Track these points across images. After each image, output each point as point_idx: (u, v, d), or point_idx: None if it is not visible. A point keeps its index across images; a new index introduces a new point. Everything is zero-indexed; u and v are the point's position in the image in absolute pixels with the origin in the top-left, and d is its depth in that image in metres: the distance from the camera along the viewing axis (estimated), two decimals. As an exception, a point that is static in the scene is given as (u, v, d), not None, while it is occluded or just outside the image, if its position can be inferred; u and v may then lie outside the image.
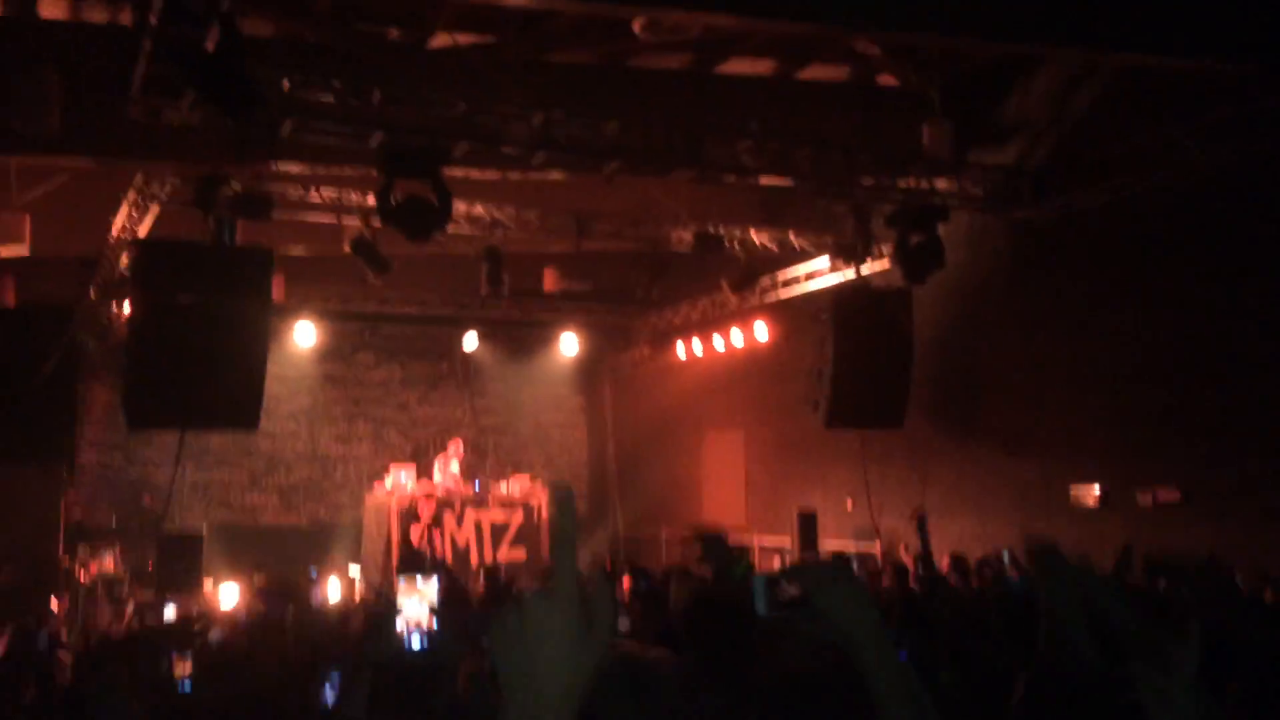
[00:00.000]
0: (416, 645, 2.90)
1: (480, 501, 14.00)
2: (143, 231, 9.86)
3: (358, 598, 9.60)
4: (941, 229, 9.99)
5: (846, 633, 1.56)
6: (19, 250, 9.71)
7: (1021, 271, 10.44)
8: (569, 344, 16.31)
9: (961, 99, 10.13)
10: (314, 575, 6.50)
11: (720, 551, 4.15)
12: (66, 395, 14.38)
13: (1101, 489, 9.47)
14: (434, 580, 2.96)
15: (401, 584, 2.91)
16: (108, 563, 12.86)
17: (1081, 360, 9.78)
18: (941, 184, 10.14)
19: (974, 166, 10.08)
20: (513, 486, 14.65)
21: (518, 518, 14.22)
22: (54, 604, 10.75)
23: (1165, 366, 8.99)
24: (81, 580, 12.37)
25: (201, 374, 8.58)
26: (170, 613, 6.99)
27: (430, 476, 14.34)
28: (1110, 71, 8.99)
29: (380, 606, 3.16)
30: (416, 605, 2.90)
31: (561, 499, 1.14)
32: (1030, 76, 9.73)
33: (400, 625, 2.89)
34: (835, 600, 1.57)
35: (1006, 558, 8.36)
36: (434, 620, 2.88)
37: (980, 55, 9.79)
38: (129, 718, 2.30)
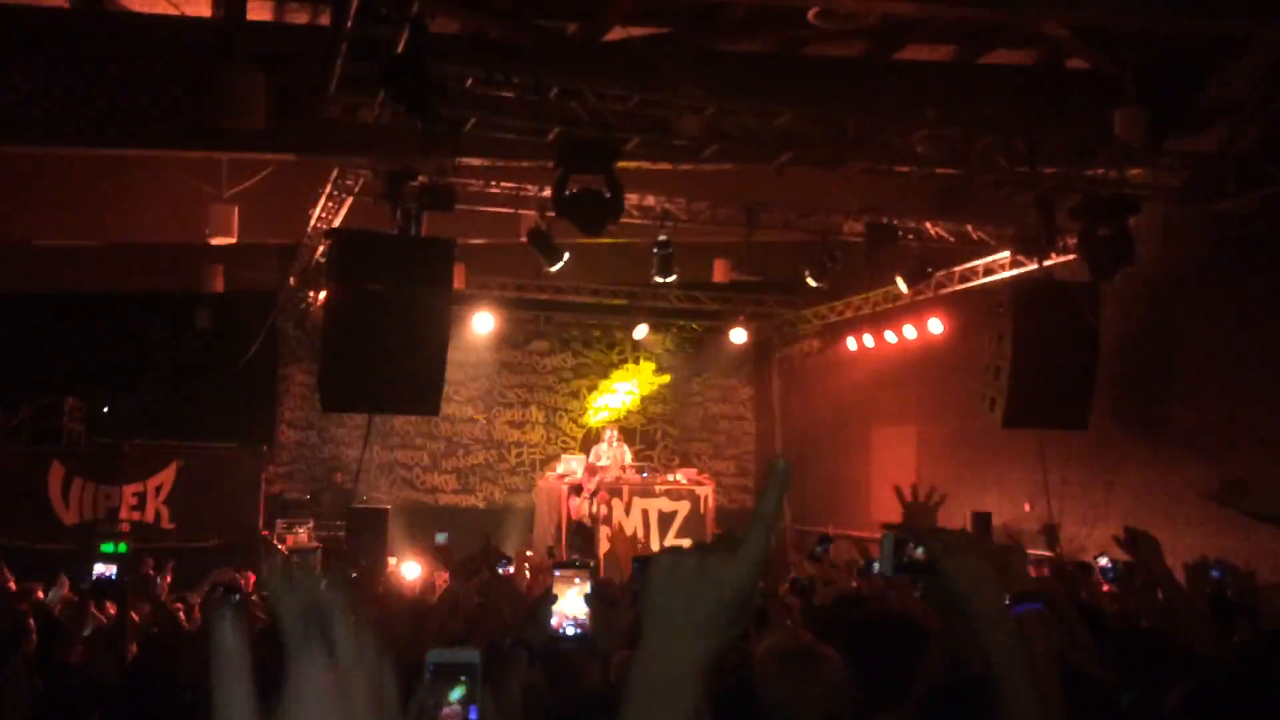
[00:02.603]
0: (571, 633, 2.99)
1: (647, 490, 14.18)
2: (337, 222, 10.46)
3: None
4: (1133, 220, 9.49)
5: (968, 603, 1.55)
6: (228, 239, 10.47)
7: (1221, 266, 9.79)
8: (738, 335, 16.32)
9: (1157, 83, 9.56)
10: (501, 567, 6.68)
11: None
12: (268, 377, 15.44)
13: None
14: (588, 574, 3.03)
15: (558, 575, 2.99)
16: (302, 535, 13.70)
17: (1286, 360, 9.11)
18: (1134, 173, 9.62)
19: (1170, 154, 9.52)
20: (680, 476, 14.78)
21: (684, 508, 14.33)
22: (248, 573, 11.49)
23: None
24: (280, 549, 13.24)
25: (388, 360, 9.03)
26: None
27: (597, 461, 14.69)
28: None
29: (540, 594, 3.26)
30: (573, 598, 2.98)
31: (779, 472, 1.11)
32: (1234, 58, 9.11)
33: (555, 617, 2.97)
34: (962, 569, 1.56)
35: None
36: (590, 611, 2.95)
37: (1179, 36, 9.24)
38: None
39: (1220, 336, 9.82)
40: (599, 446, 14.92)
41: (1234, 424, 9.66)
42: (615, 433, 15.36)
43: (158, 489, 13.51)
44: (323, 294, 11.05)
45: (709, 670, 1.05)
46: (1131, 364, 10.58)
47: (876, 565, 8.87)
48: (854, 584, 6.52)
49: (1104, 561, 6.49)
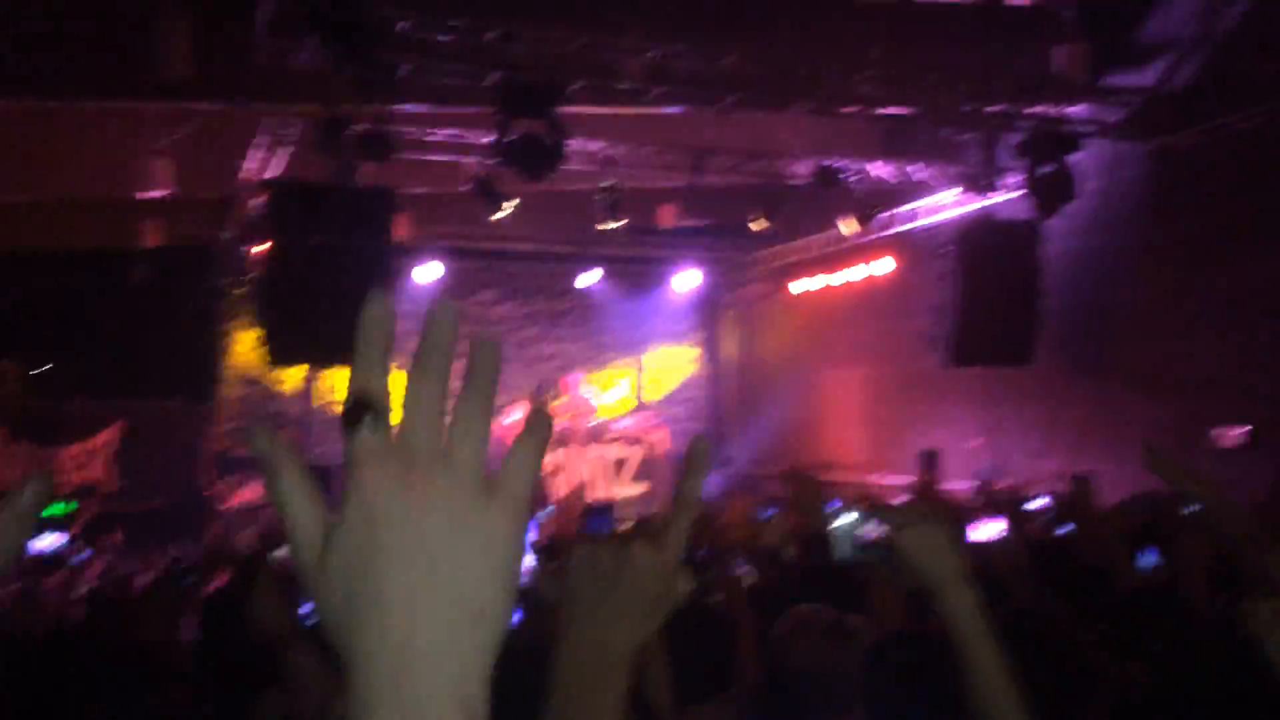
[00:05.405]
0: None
1: (599, 437, 14.18)
2: (274, 173, 10.19)
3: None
4: (1075, 157, 9.55)
5: (927, 576, 1.53)
6: (162, 192, 10.15)
7: (1162, 201, 9.90)
8: (687, 279, 16.26)
9: (1097, 19, 9.57)
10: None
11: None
12: (210, 332, 15.11)
13: (1247, 431, 9.01)
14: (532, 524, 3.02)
15: None
16: (248, 492, 13.54)
17: (1225, 295, 9.26)
18: (1075, 110, 9.65)
19: (1110, 91, 9.56)
20: (631, 422, 14.80)
21: (638, 452, 14.37)
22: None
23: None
24: (227, 507, 13.08)
25: (332, 312, 8.86)
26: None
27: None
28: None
29: None
30: None
31: (699, 454, 1.03)
32: (1174, -8, 9.13)
33: None
34: (917, 542, 1.54)
35: None
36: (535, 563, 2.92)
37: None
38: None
39: (1158, 272, 9.96)
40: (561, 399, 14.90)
41: (1171, 359, 9.84)
42: (567, 383, 15.34)
43: (105, 445, 13.32)
44: (263, 247, 10.80)
45: (634, 659, 1.03)
46: (1074, 301, 10.70)
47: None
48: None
49: (1038, 505, 6.59)
